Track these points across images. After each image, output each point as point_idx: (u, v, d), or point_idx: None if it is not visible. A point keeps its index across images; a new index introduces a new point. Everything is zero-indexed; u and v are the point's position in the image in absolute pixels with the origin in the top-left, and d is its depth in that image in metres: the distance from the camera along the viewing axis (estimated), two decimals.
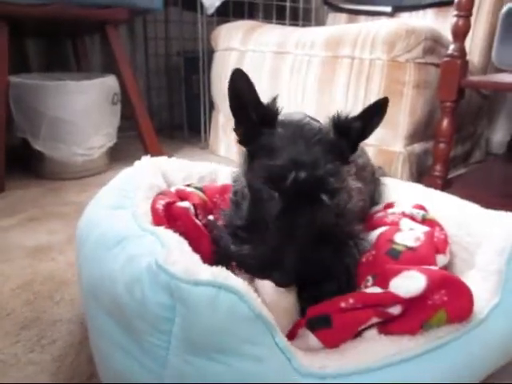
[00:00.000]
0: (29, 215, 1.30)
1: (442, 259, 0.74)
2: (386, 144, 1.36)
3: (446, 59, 1.20)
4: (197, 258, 0.53)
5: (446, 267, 0.75)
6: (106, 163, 1.73)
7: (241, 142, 0.69)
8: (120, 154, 1.84)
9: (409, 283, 0.58)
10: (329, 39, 1.42)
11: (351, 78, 1.36)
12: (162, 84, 2.35)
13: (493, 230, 0.75)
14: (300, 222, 0.60)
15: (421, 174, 1.39)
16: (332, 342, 0.55)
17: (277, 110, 0.66)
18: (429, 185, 1.28)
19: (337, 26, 1.49)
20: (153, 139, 1.80)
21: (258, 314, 0.47)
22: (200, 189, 0.88)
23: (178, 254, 0.51)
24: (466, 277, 0.74)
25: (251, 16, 2.29)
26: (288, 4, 2.27)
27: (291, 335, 0.59)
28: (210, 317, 0.46)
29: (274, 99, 0.66)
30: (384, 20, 1.39)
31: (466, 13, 1.15)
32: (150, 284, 0.49)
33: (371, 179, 0.97)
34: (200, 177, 1.01)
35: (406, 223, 0.80)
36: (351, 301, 0.57)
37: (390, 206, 0.92)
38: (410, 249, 0.69)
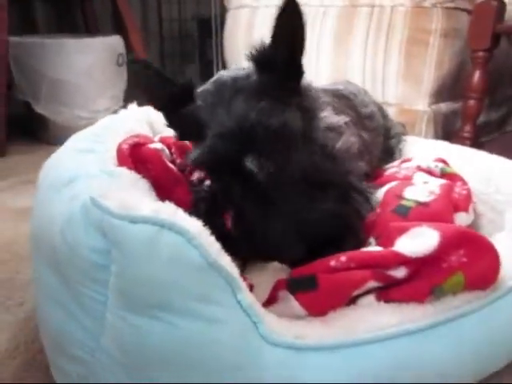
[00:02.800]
0: (24, 178, 1.24)
1: (463, 217, 0.62)
2: (408, 102, 1.22)
3: (479, 0, 1.05)
4: (145, 189, 0.44)
5: (469, 228, 0.63)
6: None
7: (169, 125, 0.60)
8: None
9: (418, 241, 0.47)
10: None
11: (370, 30, 1.22)
12: (176, 50, 2.25)
13: None
14: (271, 186, 0.50)
15: (447, 137, 1.24)
16: (317, 308, 0.44)
17: (190, 85, 0.58)
18: None
19: None
20: None
21: (213, 262, 0.37)
22: None
23: (118, 189, 0.41)
24: (493, 240, 0.62)
25: None
26: None
27: (270, 299, 0.48)
28: (149, 264, 0.36)
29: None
30: None
31: None
32: (82, 223, 0.40)
33: (381, 132, 0.85)
34: None
35: (420, 177, 0.68)
36: (343, 259, 0.46)
37: (406, 160, 0.80)
38: (422, 204, 0.57)
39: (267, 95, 0.54)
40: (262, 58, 0.56)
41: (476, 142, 1.16)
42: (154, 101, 0.60)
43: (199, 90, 0.58)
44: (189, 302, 0.37)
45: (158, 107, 0.61)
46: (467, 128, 1.15)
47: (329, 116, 0.66)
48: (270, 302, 0.47)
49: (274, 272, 0.51)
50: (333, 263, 0.46)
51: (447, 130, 1.24)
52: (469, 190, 0.65)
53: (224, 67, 1.90)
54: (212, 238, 0.39)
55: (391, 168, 0.76)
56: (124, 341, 0.37)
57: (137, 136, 0.65)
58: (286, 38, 0.54)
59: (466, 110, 1.14)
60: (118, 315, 0.38)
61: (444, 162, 0.73)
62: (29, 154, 1.47)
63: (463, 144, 1.15)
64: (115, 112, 1.58)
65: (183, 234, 0.37)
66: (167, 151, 0.64)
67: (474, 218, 0.67)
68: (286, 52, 0.55)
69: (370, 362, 0.39)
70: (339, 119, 0.68)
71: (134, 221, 0.37)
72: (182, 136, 0.60)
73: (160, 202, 0.40)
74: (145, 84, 0.59)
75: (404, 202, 0.58)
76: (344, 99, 0.80)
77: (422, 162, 0.72)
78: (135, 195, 0.41)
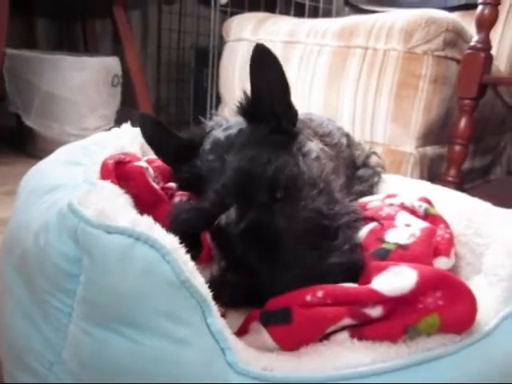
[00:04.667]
0: (6, 189, 1.23)
1: (443, 262, 0.61)
2: (395, 143, 1.24)
3: (468, 51, 1.09)
4: (126, 203, 0.43)
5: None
6: None
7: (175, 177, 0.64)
8: None
9: (396, 279, 0.46)
10: (342, 28, 1.32)
11: (363, 71, 1.26)
12: (172, 77, 2.28)
13: (505, 230, 0.62)
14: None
15: (432, 180, 1.26)
16: (289, 343, 0.43)
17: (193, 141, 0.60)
18: None
19: (353, 16, 1.39)
20: None
21: (185, 280, 0.36)
22: None
23: (98, 197, 0.41)
24: (470, 283, 0.62)
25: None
26: (307, 2, 2.19)
27: (242, 330, 0.46)
28: (120, 275, 0.35)
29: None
30: (404, 10, 1.28)
31: (493, 0, 1.04)
32: (56, 229, 0.39)
33: (344, 150, 0.88)
34: None
35: (403, 217, 0.67)
36: (319, 294, 0.45)
37: (390, 196, 0.80)
38: (402, 247, 0.56)
39: (260, 144, 0.54)
40: (249, 111, 0.56)
41: (460, 187, 1.17)
42: (161, 155, 0.63)
43: (200, 150, 0.59)
44: (156, 318, 0.35)
45: (166, 162, 0.64)
46: (452, 172, 1.16)
47: (312, 146, 0.67)
48: (241, 333, 0.45)
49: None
50: (309, 298, 0.44)
51: (432, 173, 1.26)
52: (451, 234, 0.65)
53: (218, 97, 1.93)
54: (187, 257, 0.38)
55: (374, 201, 0.76)
56: (85, 355, 0.36)
57: (124, 154, 0.65)
58: (267, 85, 0.55)
59: (451, 154, 1.16)
60: (81, 327, 0.36)
61: (428, 201, 0.73)
62: (15, 165, 1.45)
63: (447, 188, 1.17)
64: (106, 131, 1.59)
65: (158, 248, 0.36)
66: (152, 171, 0.64)
67: (456, 259, 0.67)
68: (271, 99, 0.55)
69: None
70: (317, 146, 0.68)
71: (109, 231, 0.36)
72: (186, 188, 0.61)
73: (139, 215, 0.39)
74: (149, 137, 0.62)
75: (384, 245, 0.57)
76: (299, 122, 0.84)
77: (407, 199, 0.72)
78: (115, 206, 0.40)
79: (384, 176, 0.96)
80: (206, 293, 0.38)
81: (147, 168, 0.63)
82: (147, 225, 0.37)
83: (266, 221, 0.48)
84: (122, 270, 0.35)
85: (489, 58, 1.09)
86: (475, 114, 1.13)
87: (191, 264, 0.38)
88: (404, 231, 0.61)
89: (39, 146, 1.50)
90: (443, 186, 1.15)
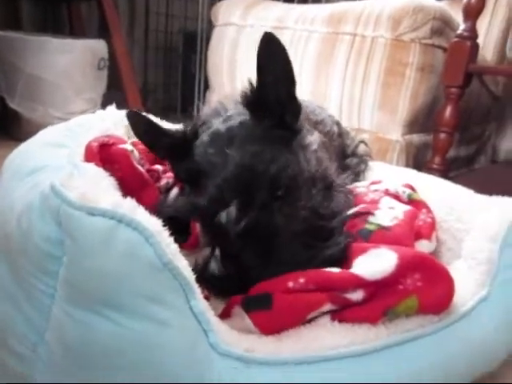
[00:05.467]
0: None
1: (424, 245, 0.62)
2: (382, 131, 1.25)
3: (454, 40, 1.09)
4: (109, 185, 0.43)
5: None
6: None
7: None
8: None
9: (376, 263, 0.47)
10: (331, 15, 1.32)
11: (351, 58, 1.26)
12: (160, 62, 2.25)
13: (485, 216, 0.64)
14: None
15: (418, 168, 1.27)
16: (269, 328, 0.44)
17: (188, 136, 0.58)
18: None
19: (342, 3, 1.38)
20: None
21: (167, 262, 0.37)
22: None
23: (81, 180, 0.41)
24: (450, 267, 0.63)
25: None
26: None
27: (224, 314, 0.47)
28: (102, 257, 0.35)
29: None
30: None
31: None
32: (39, 211, 0.39)
33: (335, 138, 0.89)
34: None
35: (386, 201, 0.68)
36: (301, 280, 0.45)
37: (375, 182, 0.81)
38: (384, 228, 0.58)
39: (262, 140, 0.53)
40: (253, 102, 0.54)
41: (445, 175, 1.19)
42: (154, 152, 0.62)
43: (197, 142, 0.57)
44: (138, 300, 0.36)
45: (162, 157, 0.63)
46: (437, 160, 1.18)
47: (312, 139, 0.67)
48: (223, 316, 0.46)
49: None
50: (291, 284, 0.45)
51: (418, 161, 1.27)
52: (433, 219, 0.66)
53: (206, 83, 1.91)
54: (171, 239, 0.38)
55: (359, 188, 0.77)
56: (68, 337, 0.36)
57: (109, 136, 0.64)
58: (274, 76, 0.53)
59: (436, 142, 1.17)
60: (64, 309, 0.36)
61: (412, 188, 0.74)
62: (1, 148, 1.43)
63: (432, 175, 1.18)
64: None
65: (140, 230, 0.36)
66: (137, 153, 0.64)
67: (438, 245, 0.69)
68: (277, 90, 0.54)
69: (315, 380, 0.39)
70: (316, 139, 0.69)
71: (91, 212, 0.36)
72: (185, 182, 0.60)
73: (121, 198, 0.39)
74: (140, 135, 0.60)
75: (367, 226, 0.58)
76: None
77: (391, 185, 0.73)
78: (98, 188, 0.40)
79: (371, 164, 0.97)
80: (189, 275, 0.39)
81: (132, 151, 0.63)
82: (130, 207, 0.37)
83: (265, 220, 0.48)
84: (104, 252, 0.35)
85: (475, 47, 1.10)
86: (461, 102, 1.14)
87: (174, 246, 0.38)
88: (387, 213, 0.62)
89: (24, 129, 1.48)
90: (429, 173, 1.18)
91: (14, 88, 1.40)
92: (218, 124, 0.57)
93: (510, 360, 0.61)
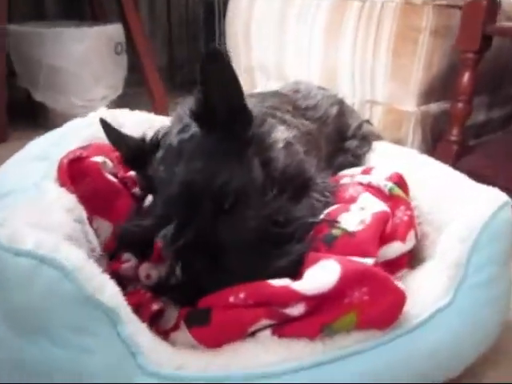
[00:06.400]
0: None
1: (396, 247, 0.59)
2: (395, 102, 1.18)
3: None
4: (62, 213, 0.46)
5: (406, 255, 0.61)
6: None
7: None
8: (126, 108, 1.78)
9: (320, 275, 0.47)
10: None
11: (360, 26, 1.18)
12: (184, 36, 2.24)
13: (466, 209, 0.60)
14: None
15: (436, 139, 1.20)
16: (209, 342, 0.46)
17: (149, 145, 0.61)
18: (443, 151, 1.13)
19: None
20: (160, 93, 1.72)
21: (89, 296, 0.39)
22: None
23: (17, 214, 0.44)
24: (423, 267, 0.61)
25: None
26: None
27: (176, 326, 0.49)
28: (28, 294, 0.38)
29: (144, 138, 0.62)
30: None
31: None
32: None
33: (330, 122, 0.88)
34: None
35: (363, 199, 0.65)
36: (242, 295, 0.46)
37: (367, 171, 0.78)
38: (348, 234, 0.56)
39: (210, 153, 0.53)
40: (201, 116, 0.55)
41: (463, 146, 1.12)
42: (124, 157, 0.64)
43: (157, 155, 0.59)
44: (63, 332, 0.39)
45: (128, 164, 0.64)
46: (454, 131, 1.11)
47: (278, 136, 0.66)
48: (175, 329, 0.49)
49: None
50: (232, 299, 0.46)
51: (436, 132, 1.20)
52: (411, 216, 0.63)
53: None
54: (95, 272, 0.41)
55: (346, 178, 0.75)
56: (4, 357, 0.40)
57: (85, 147, 0.67)
58: (220, 90, 0.53)
59: (453, 112, 1.10)
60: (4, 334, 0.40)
61: (398, 178, 0.71)
62: (29, 139, 1.52)
63: (450, 148, 1.12)
64: (112, 101, 1.62)
65: (60, 268, 0.39)
66: (110, 163, 0.66)
67: (420, 238, 0.66)
68: (224, 103, 0.54)
69: None
70: (284, 134, 0.67)
71: (18, 253, 0.39)
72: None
73: (45, 236, 0.41)
74: (112, 141, 0.64)
75: (333, 231, 0.57)
76: (281, 97, 0.84)
77: (375, 178, 0.70)
78: (31, 219, 0.43)
79: (375, 145, 0.93)
80: (117, 302, 0.41)
81: (104, 162, 0.65)
82: (52, 245, 0.40)
83: (207, 234, 0.49)
84: (29, 289, 0.38)
85: (494, 5, 0.99)
86: (490, 62, 1.05)
87: (98, 279, 0.40)
88: (356, 216, 0.60)
89: (51, 119, 1.55)
90: (446, 146, 1.12)
91: (37, 80, 1.47)
92: (172, 137, 0.58)
93: (491, 359, 0.60)
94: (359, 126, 0.95)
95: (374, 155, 0.91)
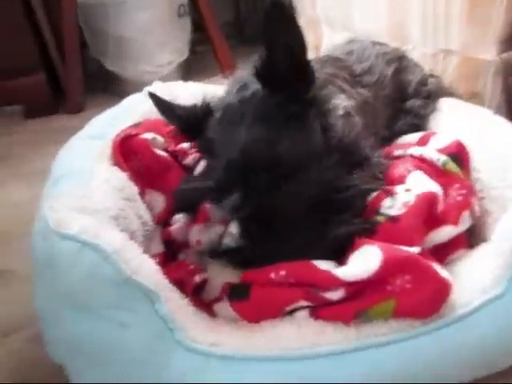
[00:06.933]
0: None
1: (447, 231, 0.55)
2: (472, 50, 1.06)
3: None
4: (112, 191, 0.50)
5: (462, 235, 0.56)
6: (179, 80, 1.72)
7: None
8: (194, 70, 1.80)
9: (361, 261, 0.46)
10: None
11: None
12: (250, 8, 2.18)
13: None
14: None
15: None
16: (249, 317, 0.47)
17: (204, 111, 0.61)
18: None
19: None
20: (225, 53, 1.71)
21: (128, 277, 0.42)
22: None
23: (66, 199, 0.47)
24: (476, 250, 0.56)
25: None
26: None
27: (219, 298, 0.50)
28: (72, 274, 0.43)
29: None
30: None
31: None
32: (37, 230, 0.47)
33: (388, 84, 0.81)
34: None
35: (412, 180, 0.60)
36: (282, 273, 0.47)
37: (425, 138, 0.72)
38: (391, 219, 0.53)
39: (272, 117, 0.52)
40: (264, 74, 0.53)
41: None
42: (178, 127, 0.65)
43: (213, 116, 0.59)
44: (103, 309, 0.43)
45: (184, 134, 0.65)
46: None
47: (338, 103, 0.63)
48: (218, 300, 0.50)
49: (231, 273, 0.52)
50: (272, 275, 0.47)
51: None
52: (466, 195, 0.57)
53: None
54: (134, 254, 0.44)
55: (398, 149, 0.70)
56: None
57: (137, 125, 0.70)
58: (283, 46, 0.51)
59: None
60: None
61: (459, 148, 0.64)
62: (105, 107, 1.61)
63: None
64: (179, 65, 1.63)
65: (100, 252, 0.42)
66: (160, 139, 0.68)
67: (482, 215, 0.60)
68: (287, 60, 0.52)
69: (270, 380, 0.42)
70: (344, 102, 0.64)
71: (64, 237, 0.43)
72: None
73: (89, 221, 0.45)
74: (161, 113, 0.65)
75: (377, 218, 0.54)
76: (335, 62, 0.79)
77: (428, 150, 0.65)
78: (78, 204, 0.47)
79: (442, 103, 0.85)
80: (155, 282, 0.44)
81: (154, 138, 0.67)
82: (94, 231, 0.43)
83: (269, 204, 0.49)
84: (73, 270, 0.43)
85: None
86: None
87: (136, 261, 0.43)
88: (399, 199, 0.56)
89: (122, 87, 1.62)
90: None
91: (106, 50, 1.53)
92: (232, 96, 0.58)
93: None
94: (422, 82, 0.87)
95: (440, 116, 0.83)
